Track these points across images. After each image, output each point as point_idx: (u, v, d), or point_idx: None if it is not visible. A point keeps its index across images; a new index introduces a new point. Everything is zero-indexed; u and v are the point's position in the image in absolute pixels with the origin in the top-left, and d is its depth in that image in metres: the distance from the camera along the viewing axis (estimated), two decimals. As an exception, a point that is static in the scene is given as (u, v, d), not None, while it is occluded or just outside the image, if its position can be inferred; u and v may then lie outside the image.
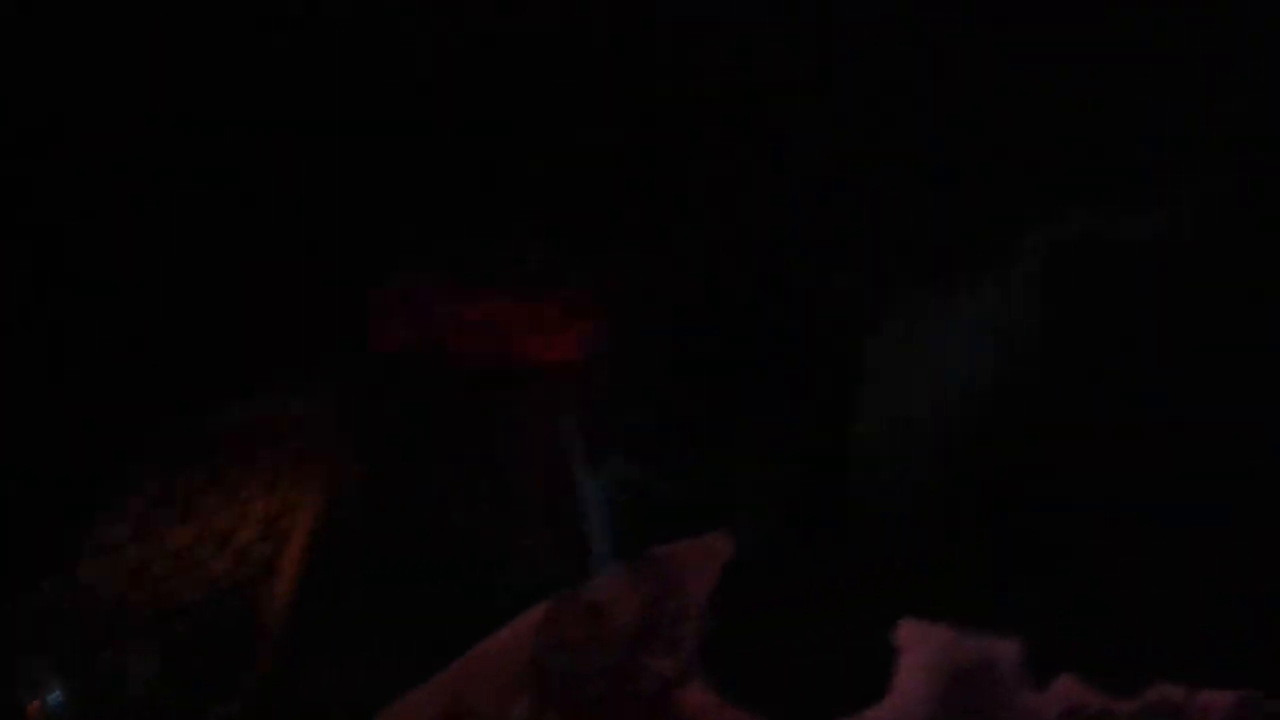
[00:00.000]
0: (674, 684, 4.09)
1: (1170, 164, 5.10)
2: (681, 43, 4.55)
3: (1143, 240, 5.04)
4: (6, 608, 4.00)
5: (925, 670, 4.33)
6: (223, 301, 4.44)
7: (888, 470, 4.72)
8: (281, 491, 4.43)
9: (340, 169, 4.53)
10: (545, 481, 4.42)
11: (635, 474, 4.55)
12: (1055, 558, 4.66)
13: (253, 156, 4.45)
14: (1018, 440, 4.81)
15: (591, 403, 4.58)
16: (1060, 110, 5.08)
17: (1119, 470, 4.71)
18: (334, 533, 4.52)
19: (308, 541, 4.41)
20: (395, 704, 4.04)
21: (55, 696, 3.89)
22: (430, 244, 4.55)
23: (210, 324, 4.44)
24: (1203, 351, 4.89)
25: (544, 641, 4.28)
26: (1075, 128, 5.14)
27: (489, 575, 4.56)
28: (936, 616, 4.44)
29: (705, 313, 4.68)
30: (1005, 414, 4.89)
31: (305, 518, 4.44)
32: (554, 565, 4.51)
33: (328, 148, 4.55)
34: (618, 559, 4.50)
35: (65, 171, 4.40)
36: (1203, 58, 4.86)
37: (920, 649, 4.39)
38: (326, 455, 4.50)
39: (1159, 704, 3.97)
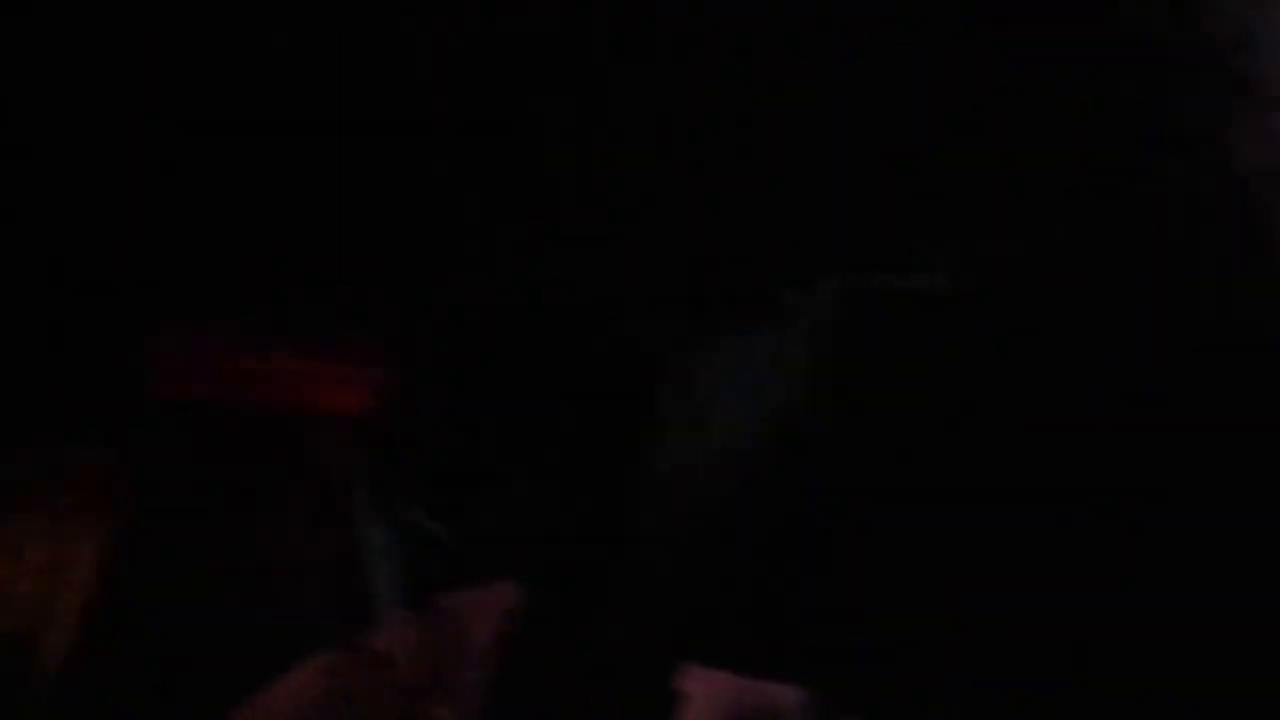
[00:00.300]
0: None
1: (962, 222, 5.26)
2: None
3: (934, 294, 5.20)
4: None
5: (709, 717, 4.42)
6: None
7: (674, 517, 4.80)
8: (59, 543, 4.39)
9: (115, 210, 4.48)
10: (330, 531, 4.42)
11: (421, 523, 4.57)
12: (840, 605, 4.78)
13: (17, 196, 4.39)
14: (804, 488, 4.92)
15: (378, 451, 4.58)
16: (852, 166, 5.22)
17: (904, 521, 4.85)
18: (114, 585, 4.49)
19: (87, 593, 4.37)
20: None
21: None
22: (209, 291, 4.52)
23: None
24: (988, 405, 5.06)
25: (326, 692, 4.29)
26: (868, 184, 5.29)
27: (274, 625, 4.55)
28: (721, 664, 4.53)
29: (491, 359, 4.71)
30: (793, 462, 5.00)
31: (84, 569, 4.40)
32: (338, 615, 4.52)
33: (102, 187, 4.50)
34: (403, 608, 4.52)
35: None
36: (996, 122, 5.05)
37: (704, 696, 4.48)
38: (105, 506, 4.45)
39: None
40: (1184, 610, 4.45)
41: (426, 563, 4.65)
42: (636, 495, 4.77)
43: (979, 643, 4.58)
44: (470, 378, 4.79)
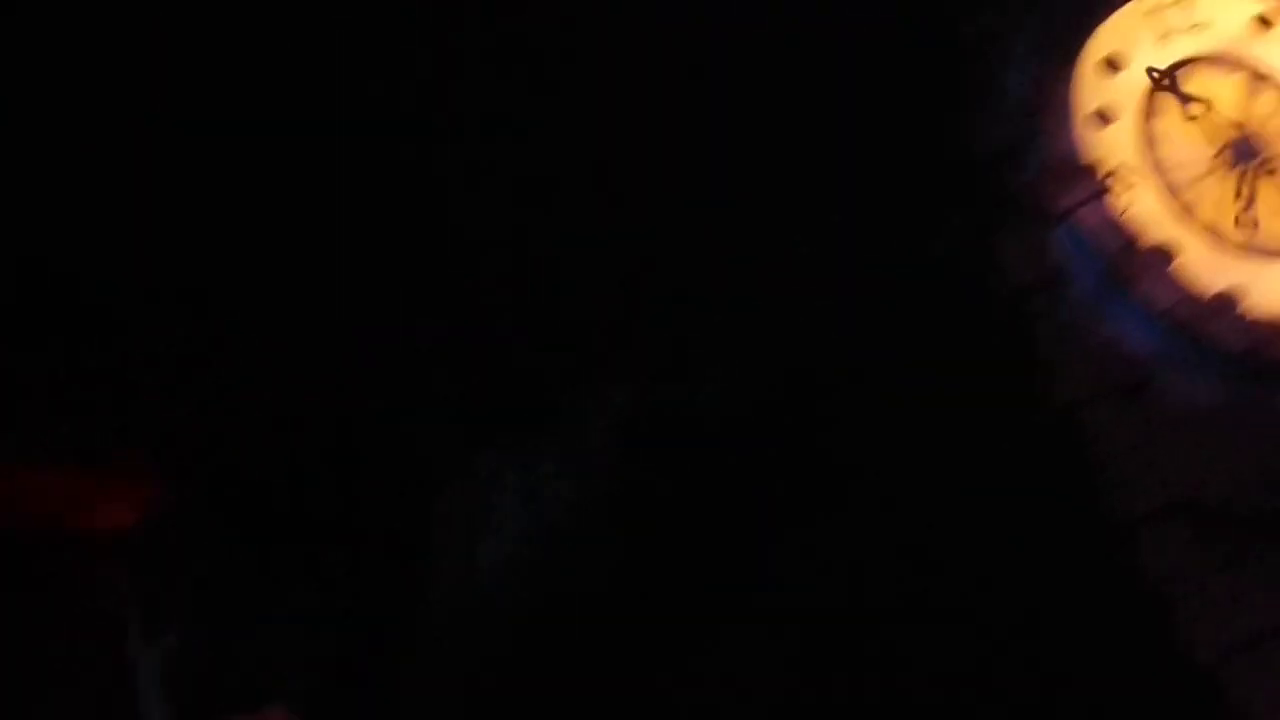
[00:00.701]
0: None
1: (733, 338, 5.44)
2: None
3: (708, 408, 5.34)
4: None
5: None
6: None
7: (451, 633, 4.83)
8: None
9: None
10: (98, 655, 4.36)
11: (192, 645, 4.53)
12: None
13: None
14: (583, 590, 5.02)
15: (147, 573, 4.53)
16: (626, 281, 5.34)
17: (691, 634, 4.98)
18: None
19: None
20: None
21: None
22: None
23: None
24: (765, 516, 5.23)
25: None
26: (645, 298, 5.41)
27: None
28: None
29: (261, 476, 4.70)
30: (575, 577, 5.09)
31: None
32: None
33: None
34: (174, 733, 4.48)
35: None
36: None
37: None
38: None
39: None
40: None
41: (199, 686, 4.61)
42: (420, 602, 4.80)
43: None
44: (241, 493, 4.77)
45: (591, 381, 5.27)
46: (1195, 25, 5.97)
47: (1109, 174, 5.63)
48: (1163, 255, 5.46)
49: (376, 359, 5.22)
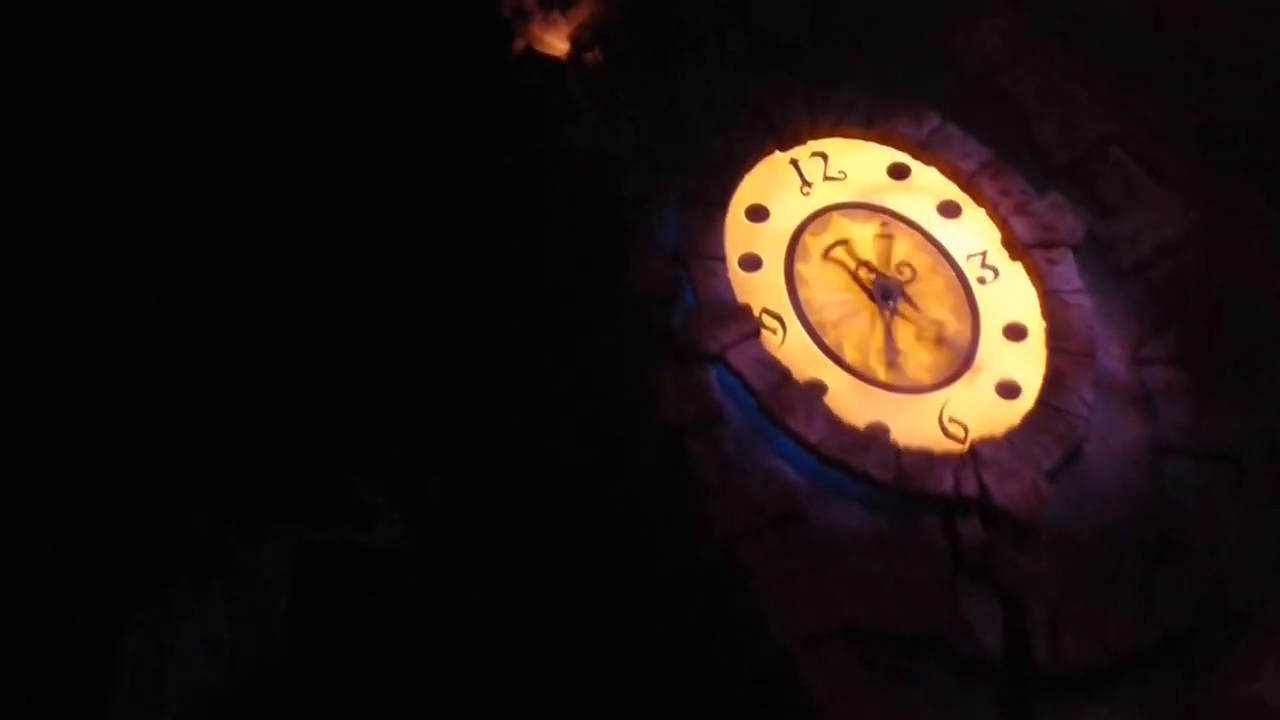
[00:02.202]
0: None
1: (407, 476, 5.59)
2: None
3: (380, 546, 5.45)
4: None
5: None
6: None
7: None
8: None
9: None
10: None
11: None
12: None
13: None
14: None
15: None
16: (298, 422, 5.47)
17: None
18: None
19: None
20: None
21: None
22: None
23: None
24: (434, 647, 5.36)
25: None
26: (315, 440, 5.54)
27: None
28: None
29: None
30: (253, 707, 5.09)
31: None
32: None
33: None
34: None
35: None
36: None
37: None
38: None
39: None
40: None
41: None
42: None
43: None
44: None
45: (260, 526, 5.35)
46: (833, 176, 6.56)
47: (759, 316, 6.08)
48: (813, 392, 5.89)
49: (49, 507, 5.20)
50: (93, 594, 5.11)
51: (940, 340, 6.04)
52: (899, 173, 6.53)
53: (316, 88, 6.16)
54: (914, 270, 6.23)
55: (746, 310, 6.00)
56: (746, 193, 6.43)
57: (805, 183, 6.46)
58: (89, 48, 5.91)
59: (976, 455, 5.64)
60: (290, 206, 5.96)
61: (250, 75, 6.18)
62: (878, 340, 6.05)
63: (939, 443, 5.76)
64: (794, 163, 6.54)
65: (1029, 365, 6.00)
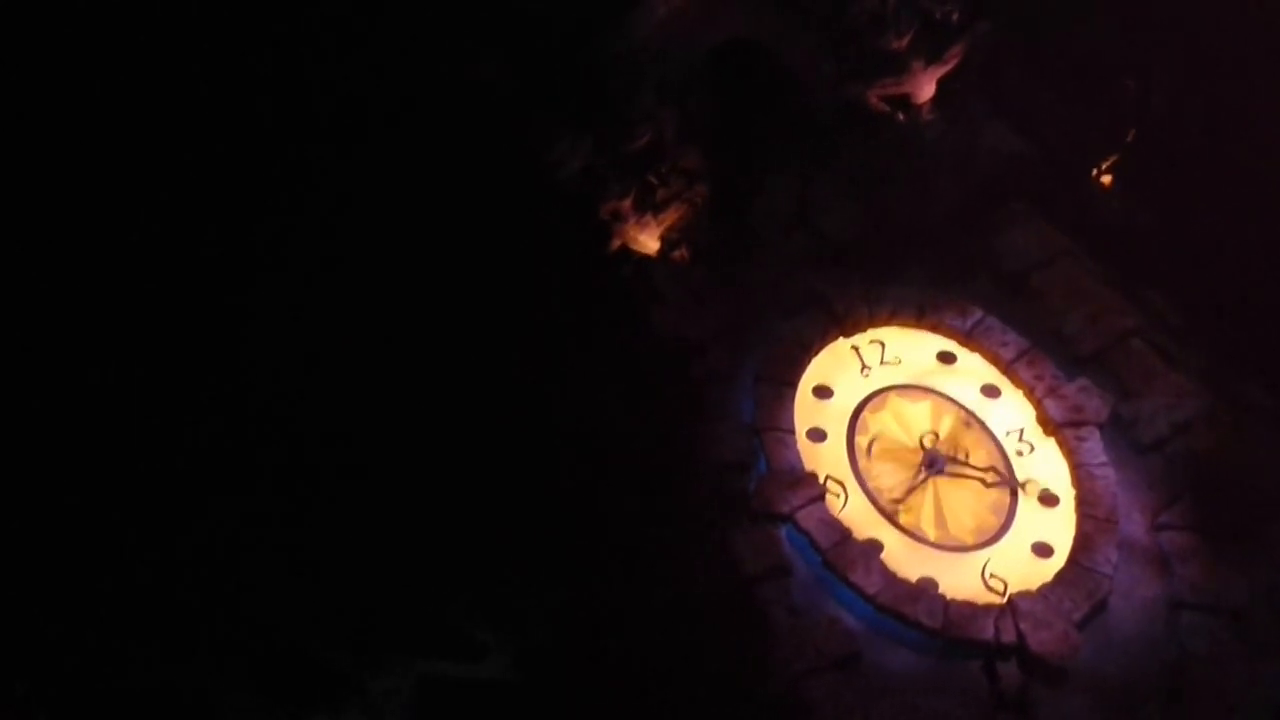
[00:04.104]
0: None
1: (516, 613, 6.87)
2: None
3: (489, 678, 6.72)
4: None
5: None
6: None
7: None
8: None
9: None
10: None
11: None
12: None
13: None
14: None
15: None
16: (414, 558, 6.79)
17: None
18: None
19: None
20: None
21: None
22: None
23: None
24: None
25: None
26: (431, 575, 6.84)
27: None
28: None
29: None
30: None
31: None
32: None
33: None
34: None
35: None
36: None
37: None
38: None
39: None
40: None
41: None
42: None
43: None
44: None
45: (383, 659, 6.65)
46: (889, 361, 8.00)
47: (824, 482, 7.47)
48: (871, 549, 7.22)
49: (203, 639, 6.49)
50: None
51: (983, 506, 7.29)
52: (947, 358, 7.89)
53: (437, 307, 7.47)
54: (960, 444, 7.54)
55: (813, 477, 7.31)
56: (813, 374, 7.75)
57: (865, 366, 7.81)
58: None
59: (1014, 607, 6.83)
60: (423, 388, 7.32)
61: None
62: (928, 505, 7.32)
63: (981, 595, 6.94)
64: (855, 348, 7.88)
65: (1060, 529, 7.23)
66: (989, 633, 6.79)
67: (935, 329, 7.90)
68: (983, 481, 7.25)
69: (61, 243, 6.43)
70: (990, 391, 7.61)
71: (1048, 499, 7.23)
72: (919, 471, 7.36)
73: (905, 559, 7.17)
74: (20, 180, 6.28)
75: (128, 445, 6.51)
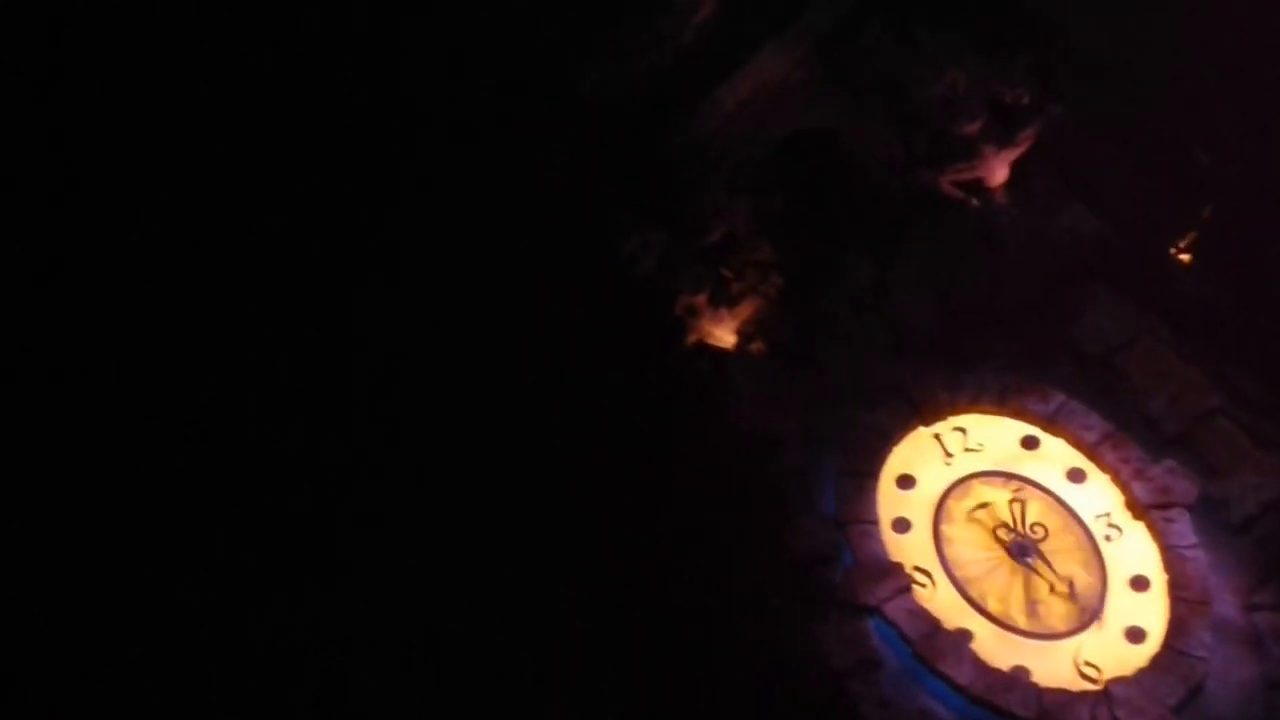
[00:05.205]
0: None
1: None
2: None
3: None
4: None
5: None
6: None
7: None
8: None
9: None
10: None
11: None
12: None
13: None
14: None
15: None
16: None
17: None
18: None
19: None
20: None
21: None
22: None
23: None
24: None
25: None
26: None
27: None
28: None
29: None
30: None
31: None
32: None
33: None
34: None
35: None
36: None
37: None
38: None
39: None
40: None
41: None
42: None
43: None
44: None
45: None
46: (972, 448, 8.24)
47: (910, 572, 7.71)
48: (961, 639, 7.43)
49: None
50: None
51: (1073, 592, 7.48)
52: (1030, 443, 8.09)
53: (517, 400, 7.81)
54: (1047, 530, 7.72)
55: (899, 568, 7.52)
56: (895, 464, 7.97)
57: (947, 454, 8.04)
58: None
59: (1110, 695, 6.97)
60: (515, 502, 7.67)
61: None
62: (1017, 593, 7.49)
63: (1076, 683, 7.09)
64: (936, 436, 8.10)
65: (1153, 613, 7.37)
66: (1085, 721, 6.73)
67: (1017, 414, 8.12)
68: (1052, 588, 7.46)
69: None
70: (1076, 476, 7.84)
71: (1139, 583, 7.40)
72: (1007, 560, 7.50)
73: (996, 648, 7.33)
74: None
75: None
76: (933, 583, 7.45)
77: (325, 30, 7.42)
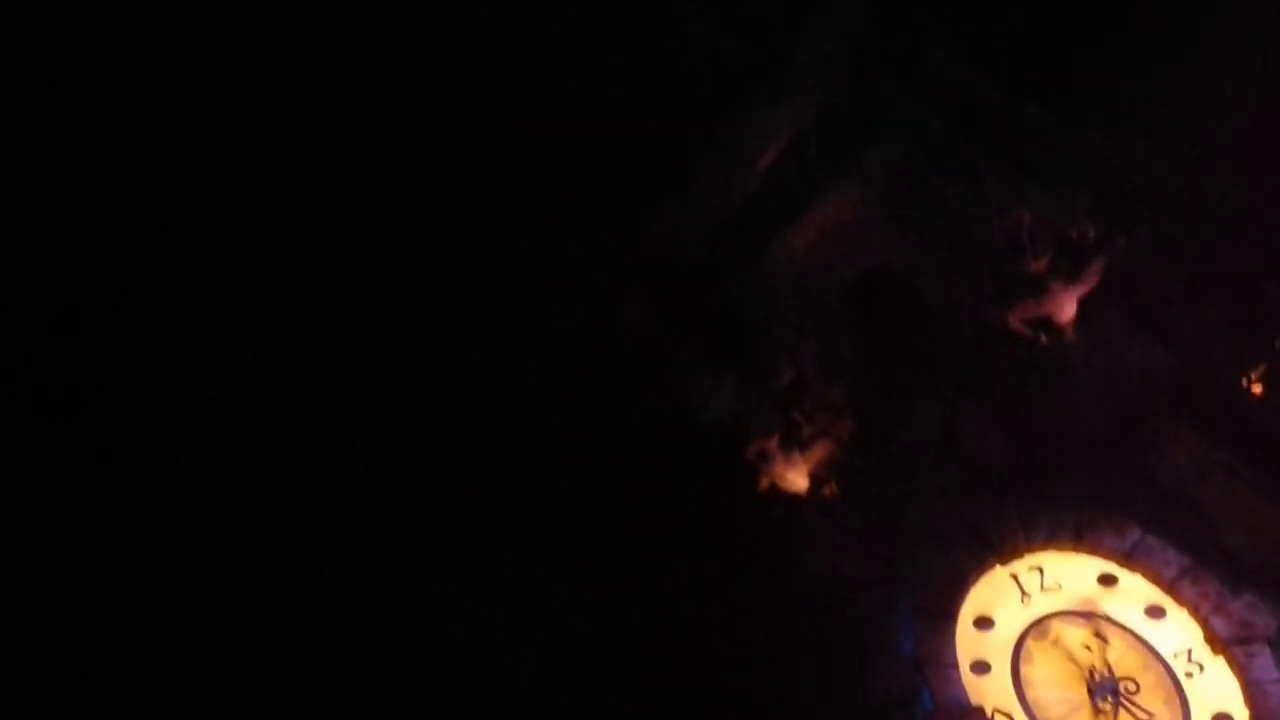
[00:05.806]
0: None
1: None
2: None
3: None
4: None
5: None
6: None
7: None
8: None
9: None
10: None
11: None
12: None
13: None
14: None
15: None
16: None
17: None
18: None
19: None
20: None
21: None
22: None
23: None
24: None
25: None
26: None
27: None
28: None
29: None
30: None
31: None
32: None
33: None
34: None
35: None
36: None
37: None
38: None
39: None
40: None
41: None
42: None
43: None
44: None
45: None
46: (1049, 587, 8.38)
47: (991, 716, 7.82)
48: None
49: None
50: None
51: (1158, 732, 7.49)
52: (1108, 580, 8.18)
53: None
54: (1128, 668, 7.83)
55: (980, 712, 7.62)
56: (972, 604, 8.10)
57: (1024, 593, 8.16)
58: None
59: (1199, 834, 7.04)
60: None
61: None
62: (1102, 732, 7.59)
63: (1164, 823, 7.17)
64: (1013, 576, 8.23)
65: (1239, 749, 7.36)
66: None
67: (1094, 551, 8.23)
68: None
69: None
70: (1155, 612, 7.93)
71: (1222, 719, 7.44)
72: (1089, 701, 7.60)
73: (1084, 791, 7.15)
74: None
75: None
76: (1014, 725, 7.44)
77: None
